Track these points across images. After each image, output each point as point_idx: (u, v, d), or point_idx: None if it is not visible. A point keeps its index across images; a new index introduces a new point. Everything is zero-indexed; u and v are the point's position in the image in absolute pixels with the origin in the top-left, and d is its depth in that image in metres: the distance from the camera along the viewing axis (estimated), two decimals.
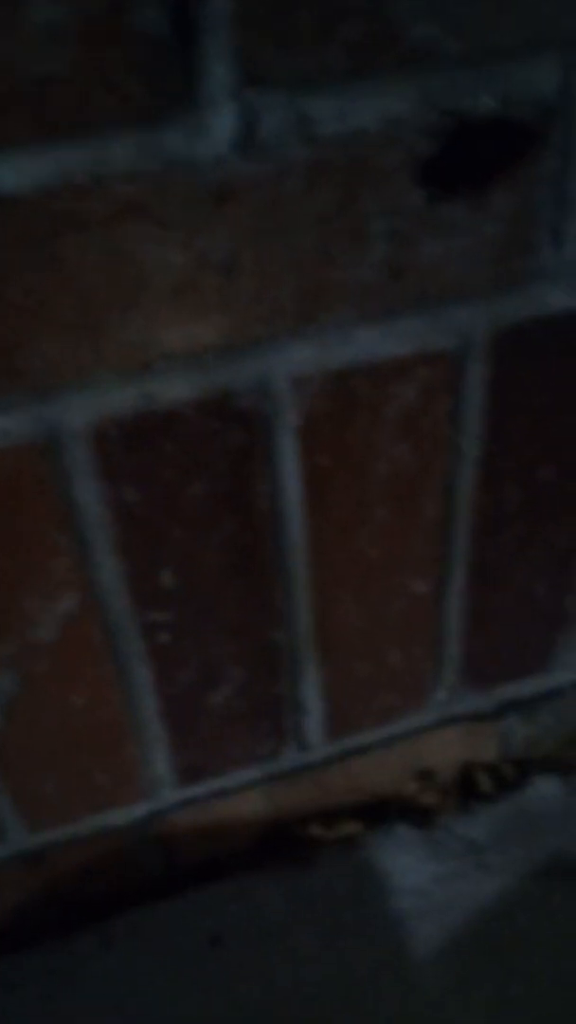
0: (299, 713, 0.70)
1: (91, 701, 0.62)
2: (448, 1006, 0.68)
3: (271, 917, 0.74)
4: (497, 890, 0.75)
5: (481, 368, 0.55)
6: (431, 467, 0.59)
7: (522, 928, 0.72)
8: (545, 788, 0.80)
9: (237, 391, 0.51)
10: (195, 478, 0.54)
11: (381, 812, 0.80)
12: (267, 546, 0.58)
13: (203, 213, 0.45)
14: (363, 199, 0.46)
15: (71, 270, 0.45)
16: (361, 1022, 0.68)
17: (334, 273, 0.48)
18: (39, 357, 0.47)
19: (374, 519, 0.60)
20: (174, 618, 0.60)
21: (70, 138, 0.41)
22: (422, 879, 0.76)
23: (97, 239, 0.44)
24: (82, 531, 0.54)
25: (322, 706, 0.70)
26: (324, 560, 0.61)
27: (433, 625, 0.68)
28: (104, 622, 0.58)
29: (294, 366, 0.51)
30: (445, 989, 0.69)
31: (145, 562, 0.57)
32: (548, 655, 0.74)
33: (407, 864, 0.77)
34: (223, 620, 0.61)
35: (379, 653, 0.68)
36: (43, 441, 0.50)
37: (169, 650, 0.61)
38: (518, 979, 0.69)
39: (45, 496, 0.51)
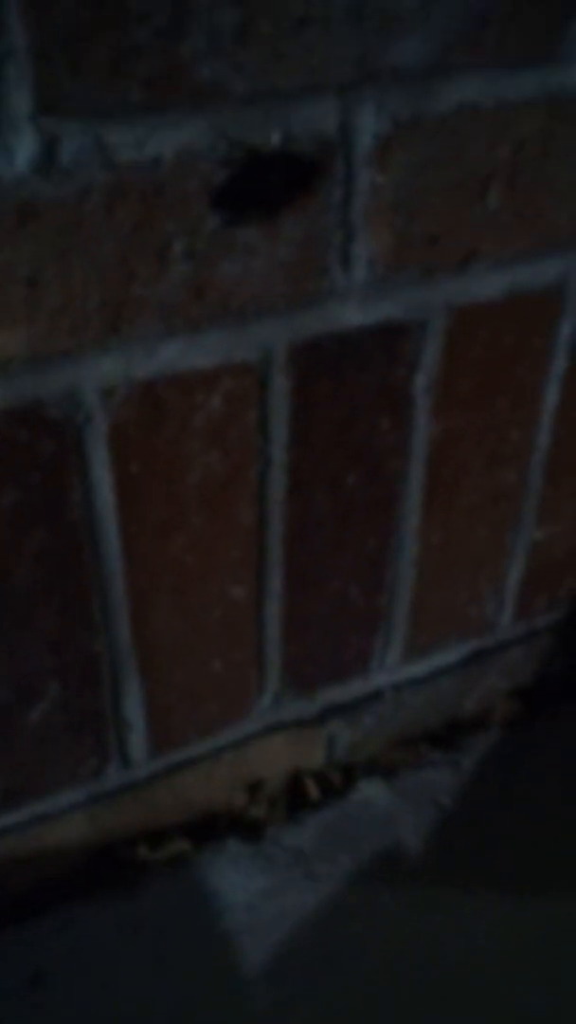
0: (122, 728, 0.75)
1: None
2: (281, 1021, 0.74)
3: (97, 948, 0.77)
4: (326, 899, 0.82)
5: (283, 380, 0.64)
6: (242, 474, 0.67)
7: (352, 934, 0.79)
8: (370, 791, 0.90)
9: (46, 401, 0.58)
10: (5, 488, 0.59)
11: (210, 828, 0.86)
12: (82, 555, 0.65)
13: (6, 230, 0.51)
14: (162, 221, 0.54)
15: None
16: None
17: (137, 289, 0.56)
18: None
19: (189, 526, 0.68)
20: None
21: None
22: (251, 894, 0.82)
23: None
24: None
25: (145, 719, 0.76)
26: (141, 568, 0.67)
27: (253, 631, 0.76)
28: None
29: (102, 377, 0.58)
30: (277, 1004, 0.74)
31: None
32: (366, 657, 0.84)
33: (236, 880, 0.83)
34: (39, 633, 0.66)
35: (201, 661, 0.75)
36: None
37: None
38: (352, 986, 0.76)
39: None
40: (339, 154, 0.56)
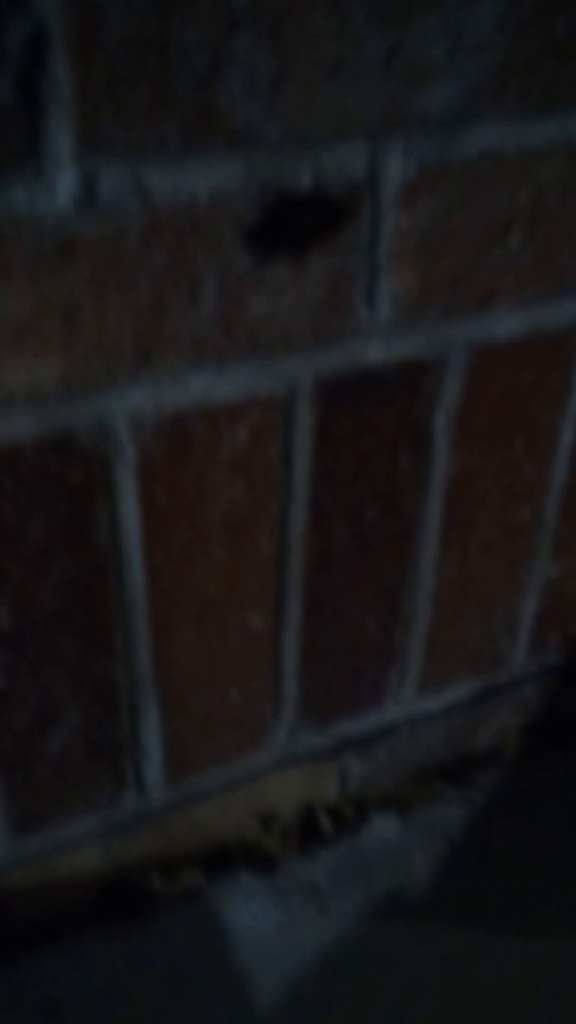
0: (138, 756, 0.75)
1: None
2: None
3: (109, 979, 0.77)
4: (338, 935, 0.81)
5: (308, 414, 0.65)
6: (265, 507, 0.68)
7: (365, 970, 0.78)
8: (383, 827, 0.89)
9: (77, 431, 0.58)
10: (34, 516, 0.60)
11: (223, 860, 0.86)
12: (106, 584, 0.65)
13: (46, 264, 0.52)
14: (195, 259, 0.55)
15: None
16: None
17: (169, 324, 0.57)
18: None
19: (212, 557, 0.68)
20: (9, 659, 0.65)
21: None
22: (264, 928, 0.81)
23: None
24: None
25: (162, 748, 0.76)
26: (163, 598, 0.68)
27: (271, 661, 0.76)
28: None
29: (132, 408, 0.59)
30: None
31: None
32: (381, 690, 0.84)
33: (249, 914, 0.82)
34: (61, 660, 0.67)
35: (218, 691, 0.75)
36: None
37: (3, 692, 0.66)
38: (363, 1022, 0.74)
39: None
40: (367, 196, 0.58)
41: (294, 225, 0.56)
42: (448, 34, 0.54)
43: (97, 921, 0.81)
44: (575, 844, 0.88)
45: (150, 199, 0.53)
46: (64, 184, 0.51)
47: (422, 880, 0.85)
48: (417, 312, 0.64)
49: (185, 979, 0.77)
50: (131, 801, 0.78)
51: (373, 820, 0.90)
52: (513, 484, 0.77)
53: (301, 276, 0.59)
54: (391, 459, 0.70)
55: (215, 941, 0.80)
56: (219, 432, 0.63)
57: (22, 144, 0.49)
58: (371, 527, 0.73)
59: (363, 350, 0.64)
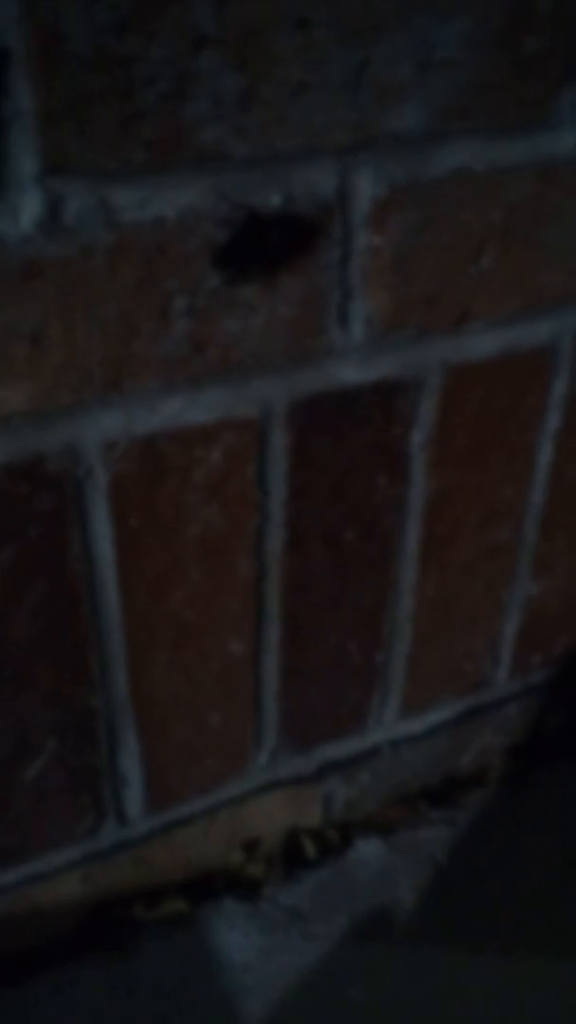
0: (118, 784, 0.74)
1: None
2: None
3: (92, 1009, 0.75)
4: (323, 958, 0.80)
5: (282, 435, 0.63)
6: (241, 529, 0.66)
7: (349, 994, 0.77)
8: (366, 850, 0.87)
9: (47, 455, 0.57)
10: (4, 541, 0.58)
11: (207, 886, 0.84)
12: (81, 609, 0.64)
13: (11, 287, 0.51)
14: (164, 279, 0.54)
15: None
16: None
17: (139, 346, 0.55)
18: None
19: (188, 580, 0.66)
20: None
21: None
22: (248, 954, 0.80)
23: None
24: None
25: (141, 775, 0.74)
26: (139, 622, 0.66)
27: (251, 686, 0.74)
28: None
29: (103, 432, 0.58)
30: None
31: None
32: (363, 713, 0.82)
33: (233, 940, 0.81)
34: (36, 688, 0.65)
35: (198, 717, 0.74)
36: None
37: None
38: None
39: None
40: (337, 216, 0.56)
41: (264, 245, 0.54)
42: (416, 53, 0.53)
43: (80, 950, 0.79)
44: (559, 865, 0.87)
45: (117, 220, 0.51)
46: (28, 206, 0.49)
47: (406, 902, 0.84)
48: (391, 332, 0.63)
49: (169, 1006, 0.76)
50: (111, 830, 0.76)
51: (357, 843, 0.88)
52: (492, 504, 0.76)
53: (272, 296, 0.57)
54: (368, 480, 0.69)
55: (199, 967, 0.79)
56: (192, 454, 0.61)
57: None
58: (349, 548, 0.71)
59: (337, 371, 0.62)
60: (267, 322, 0.58)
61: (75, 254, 0.51)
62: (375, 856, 0.87)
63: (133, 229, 0.52)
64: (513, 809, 0.92)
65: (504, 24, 0.55)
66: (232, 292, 0.56)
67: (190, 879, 0.84)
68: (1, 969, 0.77)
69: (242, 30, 0.49)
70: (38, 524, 0.59)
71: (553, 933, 0.81)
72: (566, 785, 0.94)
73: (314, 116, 0.53)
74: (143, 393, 0.57)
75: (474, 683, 0.87)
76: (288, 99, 0.52)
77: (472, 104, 0.57)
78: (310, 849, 0.87)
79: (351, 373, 0.63)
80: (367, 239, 0.58)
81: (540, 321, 0.68)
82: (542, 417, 0.74)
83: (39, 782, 0.69)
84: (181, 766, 0.76)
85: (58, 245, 0.51)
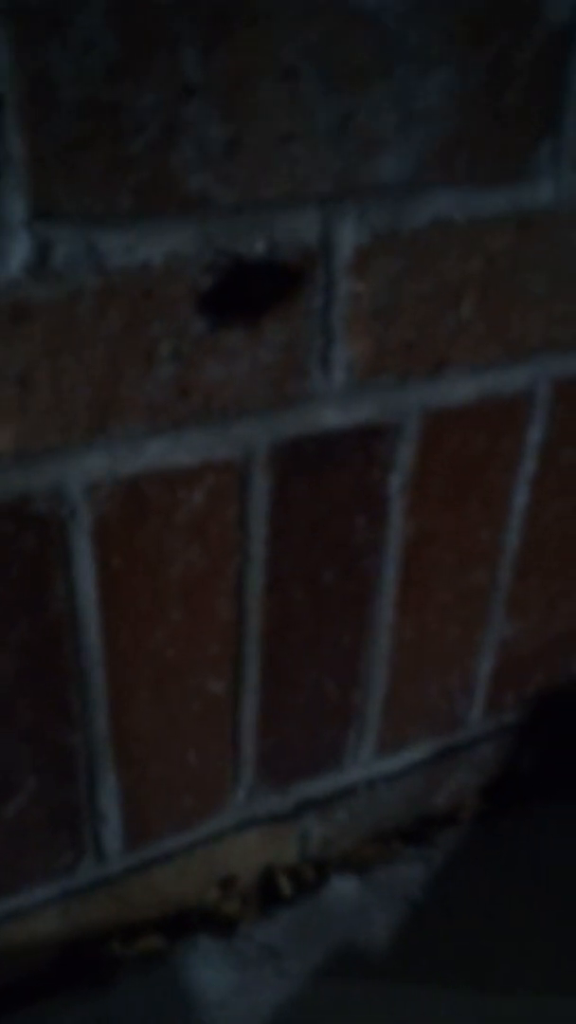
0: (97, 822, 0.70)
1: None
2: None
3: None
4: (297, 995, 0.77)
5: (264, 478, 0.61)
6: (222, 570, 0.64)
7: None
8: (342, 887, 0.84)
9: (32, 496, 0.55)
10: None
11: (183, 923, 0.81)
12: (63, 648, 0.61)
13: None
14: (150, 324, 0.52)
15: None
16: None
17: (124, 389, 0.53)
18: None
19: (169, 620, 0.64)
20: None
21: None
22: (223, 991, 0.77)
23: None
24: None
25: (120, 813, 0.71)
26: (120, 662, 0.64)
27: (229, 724, 0.71)
28: None
29: (88, 473, 0.55)
30: None
31: None
32: (340, 751, 0.79)
33: (208, 977, 0.78)
34: (17, 726, 0.63)
35: (177, 755, 0.71)
36: None
37: None
38: None
39: None
40: (320, 263, 0.55)
41: (248, 291, 0.53)
42: (399, 104, 0.52)
43: (57, 986, 0.76)
44: (533, 902, 0.84)
45: (104, 265, 0.50)
46: (17, 250, 0.48)
47: (381, 939, 0.81)
48: (372, 377, 0.61)
49: None
50: (90, 867, 0.73)
51: (333, 881, 0.85)
52: (469, 546, 0.74)
53: (255, 341, 0.55)
54: (347, 522, 0.67)
55: (174, 1004, 0.76)
56: (175, 496, 0.59)
57: None
58: (328, 590, 0.69)
59: (318, 415, 0.60)
60: (250, 367, 0.56)
61: (63, 298, 0.49)
62: (351, 893, 0.84)
63: (120, 274, 0.50)
64: (487, 848, 0.89)
65: (484, 76, 0.54)
66: (216, 337, 0.54)
67: (167, 916, 0.81)
68: None
69: (229, 80, 0.48)
70: (22, 563, 0.57)
71: (527, 970, 0.78)
72: (539, 824, 0.91)
73: (299, 165, 0.51)
74: (128, 435, 0.55)
75: (449, 723, 0.85)
76: (273, 148, 0.50)
77: (452, 155, 0.56)
78: (286, 886, 0.84)
79: (332, 417, 0.61)
80: (349, 286, 0.57)
81: (518, 368, 0.67)
82: (518, 462, 0.72)
83: (18, 819, 0.67)
84: (159, 804, 0.73)
85: (46, 289, 0.49)
